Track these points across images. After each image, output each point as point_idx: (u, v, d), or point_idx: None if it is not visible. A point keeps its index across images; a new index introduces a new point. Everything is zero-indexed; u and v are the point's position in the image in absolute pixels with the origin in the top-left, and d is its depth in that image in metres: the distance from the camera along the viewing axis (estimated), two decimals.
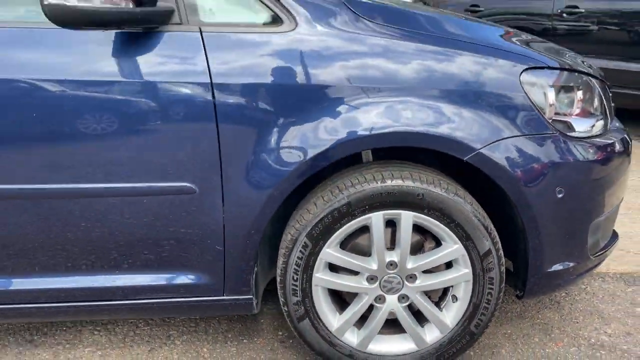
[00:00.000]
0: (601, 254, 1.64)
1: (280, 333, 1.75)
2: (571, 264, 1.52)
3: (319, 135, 1.34)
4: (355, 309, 1.49)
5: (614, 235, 1.79)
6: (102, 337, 1.77)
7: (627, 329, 1.71)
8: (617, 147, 1.59)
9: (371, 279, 1.46)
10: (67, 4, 1.07)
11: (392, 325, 1.55)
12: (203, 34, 1.29)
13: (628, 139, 1.68)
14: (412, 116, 1.36)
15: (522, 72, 1.41)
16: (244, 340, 1.72)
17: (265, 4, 1.31)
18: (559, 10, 4.10)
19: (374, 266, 1.44)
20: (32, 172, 1.31)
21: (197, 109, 1.30)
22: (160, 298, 1.48)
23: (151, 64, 1.29)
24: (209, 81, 1.29)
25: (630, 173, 3.19)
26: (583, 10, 3.96)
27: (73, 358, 1.67)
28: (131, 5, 1.16)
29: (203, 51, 1.29)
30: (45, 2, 1.08)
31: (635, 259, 2.13)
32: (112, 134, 1.29)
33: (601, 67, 3.95)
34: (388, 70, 1.36)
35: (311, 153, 1.34)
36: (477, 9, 4.66)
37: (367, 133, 1.34)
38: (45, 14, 1.10)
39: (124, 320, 1.85)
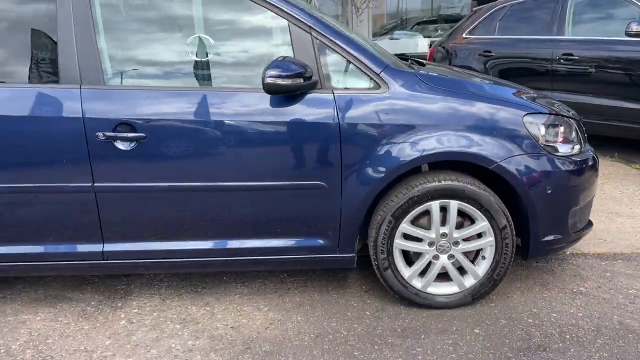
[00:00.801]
0: (578, 232, 2.48)
1: (364, 287, 2.60)
2: (558, 236, 2.36)
3: (399, 154, 2.21)
4: (420, 264, 2.34)
5: (589, 223, 2.62)
6: (244, 289, 2.62)
7: (598, 285, 2.54)
8: (588, 162, 2.44)
9: (430, 244, 2.31)
10: (277, 82, 1.98)
11: (442, 277, 2.39)
12: (334, 94, 2.19)
13: (596, 157, 2.52)
14: (454, 142, 2.21)
15: (524, 115, 2.28)
16: (340, 290, 2.57)
17: (370, 77, 2.21)
18: (557, 57, 5.00)
19: (433, 235, 2.29)
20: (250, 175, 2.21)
21: (330, 137, 2.18)
22: (299, 255, 2.35)
23: (304, 111, 2.17)
24: (337, 121, 2.17)
25: (614, 187, 4.00)
26: (577, 57, 4.85)
27: (229, 301, 2.52)
28: (302, 81, 2.05)
29: (334, 103, 2.18)
30: (265, 82, 1.99)
31: (609, 245, 2.95)
32: (280, 153, 2.18)
33: (589, 103, 4.80)
34: (441, 114, 2.23)
35: (395, 164, 2.20)
36: (489, 54, 5.58)
37: (423, 153, 2.20)
38: (264, 87, 2.01)
39: (255, 277, 2.72)
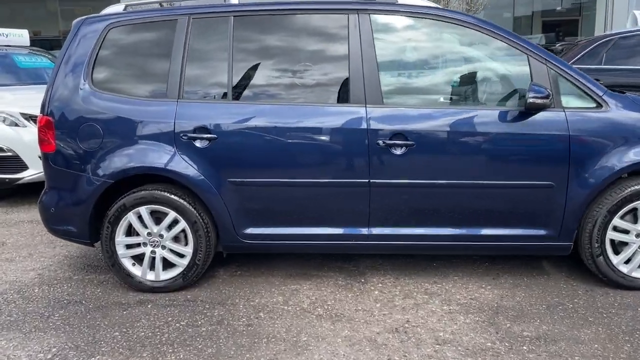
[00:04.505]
0: None
1: (562, 272, 3.13)
2: None
3: (617, 161, 2.72)
4: (626, 253, 2.84)
5: None
6: (457, 272, 3.17)
7: None
8: None
9: (637, 235, 2.80)
10: (536, 102, 2.59)
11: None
12: (565, 112, 2.75)
13: None
14: None
15: None
16: (544, 275, 3.11)
17: (594, 98, 2.77)
18: None
19: (639, 228, 2.78)
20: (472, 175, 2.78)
21: (562, 146, 2.73)
22: (523, 242, 2.89)
23: (543, 125, 2.74)
24: (568, 133, 2.72)
25: None
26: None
27: (452, 281, 3.06)
28: (548, 101, 2.63)
29: (565, 120, 2.74)
30: (528, 102, 2.60)
31: None
32: (520, 157, 2.75)
33: None
34: None
35: (613, 170, 2.72)
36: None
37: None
38: (526, 106, 2.63)
39: (460, 264, 3.27)
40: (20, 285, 3.18)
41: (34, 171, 4.84)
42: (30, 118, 4.92)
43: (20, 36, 6.54)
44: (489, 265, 3.29)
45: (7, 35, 6.35)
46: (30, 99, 5.16)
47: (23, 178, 4.86)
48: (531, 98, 2.63)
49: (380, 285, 3.06)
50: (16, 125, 4.91)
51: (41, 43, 9.53)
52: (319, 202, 2.90)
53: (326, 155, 2.84)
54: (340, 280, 3.14)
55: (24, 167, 4.86)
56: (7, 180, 4.85)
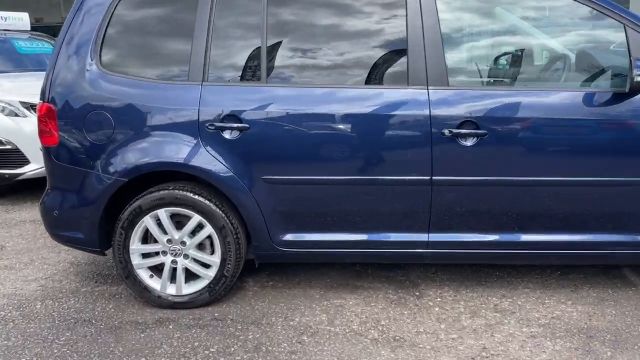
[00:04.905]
0: None
1: None
2: None
3: None
4: None
5: None
6: (526, 283, 2.71)
7: None
8: None
9: None
10: None
11: None
12: None
13: None
14: None
15: None
16: (631, 287, 2.64)
17: None
18: None
19: None
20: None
21: None
22: (614, 250, 2.44)
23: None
24: None
25: None
26: None
27: (525, 294, 2.62)
28: None
29: None
30: (636, 80, 2.10)
31: None
32: (620, 149, 2.28)
33: None
34: None
35: None
36: None
37: None
38: (632, 85, 2.13)
39: (527, 273, 2.80)
40: (20, 299, 2.75)
41: (35, 166, 4.40)
42: (31, 107, 4.47)
43: (20, 19, 6.08)
44: (561, 275, 2.83)
45: (6, 19, 5.90)
46: (30, 86, 4.68)
47: (24, 173, 4.42)
48: (639, 76, 2.16)
49: (439, 300, 2.62)
50: (16, 115, 4.46)
51: (43, 29, 9.08)
52: (369, 204, 2.43)
53: (378, 147, 2.37)
54: (390, 293, 2.70)
55: (25, 161, 4.42)
56: (6, 175, 4.41)
